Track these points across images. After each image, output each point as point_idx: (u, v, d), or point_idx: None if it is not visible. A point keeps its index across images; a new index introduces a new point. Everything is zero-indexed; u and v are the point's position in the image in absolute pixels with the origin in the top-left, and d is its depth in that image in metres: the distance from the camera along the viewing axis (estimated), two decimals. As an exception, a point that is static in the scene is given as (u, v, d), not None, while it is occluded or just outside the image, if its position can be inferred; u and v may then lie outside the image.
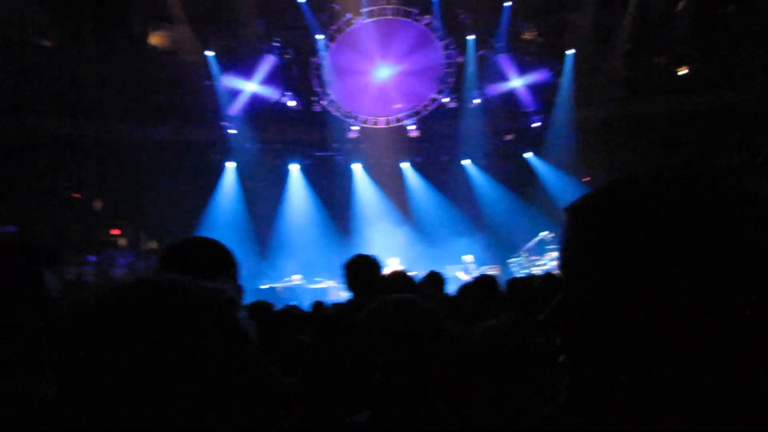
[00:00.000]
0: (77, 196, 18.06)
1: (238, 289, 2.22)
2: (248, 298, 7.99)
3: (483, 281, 4.60)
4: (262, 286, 16.71)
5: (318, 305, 7.02)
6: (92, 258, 16.31)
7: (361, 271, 4.07)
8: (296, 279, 17.28)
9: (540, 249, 16.51)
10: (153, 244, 18.26)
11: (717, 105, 18.10)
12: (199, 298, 1.01)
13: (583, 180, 17.99)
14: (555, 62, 19.81)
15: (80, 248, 16.46)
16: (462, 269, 16.14)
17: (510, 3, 19.64)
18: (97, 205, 18.18)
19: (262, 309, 7.01)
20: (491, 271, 14.94)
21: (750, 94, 17.73)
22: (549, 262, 15.51)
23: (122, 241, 17.68)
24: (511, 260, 16.89)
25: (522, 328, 3.48)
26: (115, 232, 17.78)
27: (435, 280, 6.18)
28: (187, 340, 0.96)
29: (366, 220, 19.10)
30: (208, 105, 19.84)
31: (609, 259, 0.84)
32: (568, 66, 19.53)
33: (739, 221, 0.80)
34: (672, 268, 0.79)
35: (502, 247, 17.65)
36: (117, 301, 0.98)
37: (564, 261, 0.92)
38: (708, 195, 0.83)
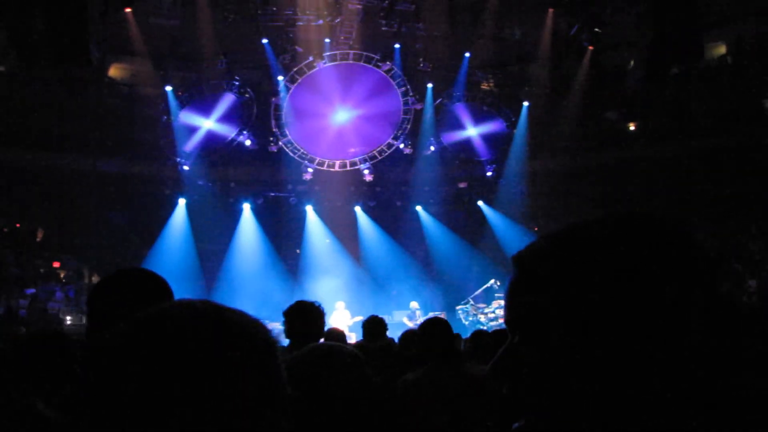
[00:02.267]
0: (18, 225, 17.62)
1: None
2: None
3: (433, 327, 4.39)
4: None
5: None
6: (30, 291, 15.80)
7: (302, 318, 3.98)
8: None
9: (487, 297, 16.50)
10: (96, 278, 17.85)
11: (663, 156, 18.59)
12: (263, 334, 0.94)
13: (534, 229, 18.15)
14: (510, 113, 20.12)
15: (18, 280, 15.98)
16: (407, 315, 16.00)
17: (469, 54, 19.95)
18: (39, 235, 17.73)
19: None
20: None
21: (693, 146, 18.29)
22: (496, 310, 15.48)
23: (62, 274, 17.19)
24: (458, 307, 16.82)
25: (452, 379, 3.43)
26: (56, 264, 17.29)
27: (376, 325, 6.18)
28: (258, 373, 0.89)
29: (316, 262, 18.91)
30: (163, 140, 19.66)
31: (555, 307, 0.82)
32: (523, 117, 19.85)
33: (679, 267, 0.80)
34: (619, 316, 0.78)
35: (451, 293, 17.61)
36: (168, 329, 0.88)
37: (509, 309, 0.90)
38: (652, 241, 0.82)
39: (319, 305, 4.07)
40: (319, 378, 1.91)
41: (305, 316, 3.97)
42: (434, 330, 4.09)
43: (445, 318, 6.36)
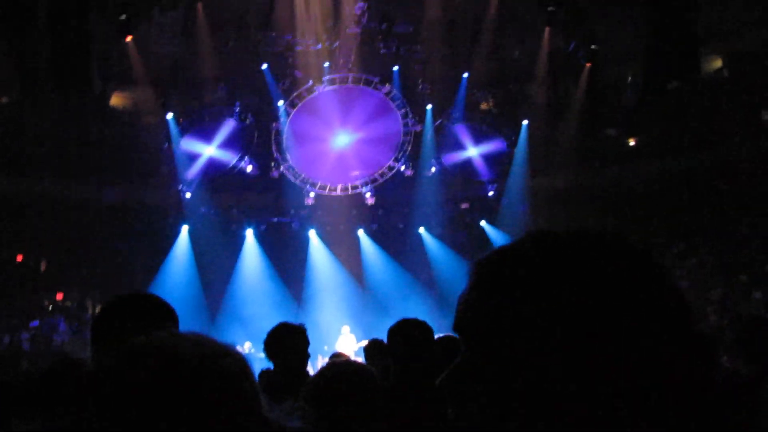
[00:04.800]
0: (20, 257, 17.65)
1: None
2: None
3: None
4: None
5: (265, 373, 6.87)
6: (34, 323, 15.80)
7: (284, 341, 3.95)
8: (246, 347, 16.89)
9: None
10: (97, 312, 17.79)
11: (663, 171, 18.61)
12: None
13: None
14: (510, 132, 20.15)
15: (20, 312, 15.99)
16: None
17: (467, 74, 20.02)
18: (43, 266, 17.77)
19: None
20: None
21: (694, 160, 18.30)
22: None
23: (66, 305, 17.20)
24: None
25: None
26: (59, 296, 17.30)
27: (376, 348, 6.19)
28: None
29: (320, 287, 18.90)
30: (165, 167, 19.74)
31: (513, 317, 0.78)
32: (522, 136, 19.88)
33: (636, 282, 0.78)
34: (577, 329, 0.75)
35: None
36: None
37: (462, 319, 0.85)
38: (611, 254, 0.80)
39: (302, 326, 4.03)
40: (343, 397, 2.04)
41: (287, 339, 3.95)
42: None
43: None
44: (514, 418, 0.77)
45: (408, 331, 3.63)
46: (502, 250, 0.86)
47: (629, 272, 0.79)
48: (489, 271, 0.84)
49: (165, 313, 2.17)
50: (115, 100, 20.90)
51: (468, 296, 0.85)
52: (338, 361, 2.27)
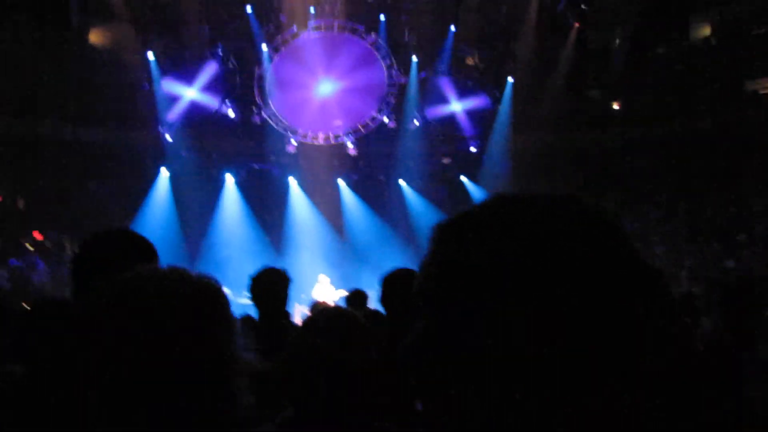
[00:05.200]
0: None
1: None
2: None
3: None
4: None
5: (248, 319, 6.95)
6: (14, 262, 15.68)
7: (268, 285, 3.98)
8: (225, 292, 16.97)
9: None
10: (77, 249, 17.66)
11: (647, 136, 18.77)
12: (207, 290, 1.13)
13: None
14: (495, 89, 20.09)
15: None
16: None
17: (454, 28, 19.84)
18: (20, 204, 17.55)
19: None
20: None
21: (678, 128, 18.48)
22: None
23: (45, 245, 17.06)
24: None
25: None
26: (37, 234, 17.14)
27: (359, 298, 6.51)
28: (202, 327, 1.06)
29: (299, 235, 18.95)
30: (146, 109, 19.40)
31: (473, 283, 0.77)
32: (507, 93, 19.84)
33: (594, 244, 0.77)
34: (538, 291, 0.74)
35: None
36: (127, 295, 1.05)
37: (422, 285, 0.83)
38: (568, 217, 0.79)
39: (286, 272, 4.06)
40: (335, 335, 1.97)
41: (270, 283, 3.95)
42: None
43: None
44: (480, 388, 0.76)
45: (405, 281, 3.58)
46: (462, 215, 0.84)
47: (586, 233, 0.78)
48: (449, 237, 0.82)
49: (145, 249, 2.15)
50: (94, 37, 20.37)
51: (429, 262, 0.83)
52: (329, 308, 2.20)
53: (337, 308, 2.16)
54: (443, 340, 0.79)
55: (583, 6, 19.02)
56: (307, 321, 2.10)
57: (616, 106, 19.98)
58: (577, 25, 19.37)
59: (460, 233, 0.81)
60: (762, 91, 18.13)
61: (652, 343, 0.77)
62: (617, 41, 19.76)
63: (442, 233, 0.84)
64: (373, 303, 6.92)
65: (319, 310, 2.11)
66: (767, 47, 17.93)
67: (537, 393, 0.74)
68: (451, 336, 0.78)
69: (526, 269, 0.75)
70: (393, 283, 3.59)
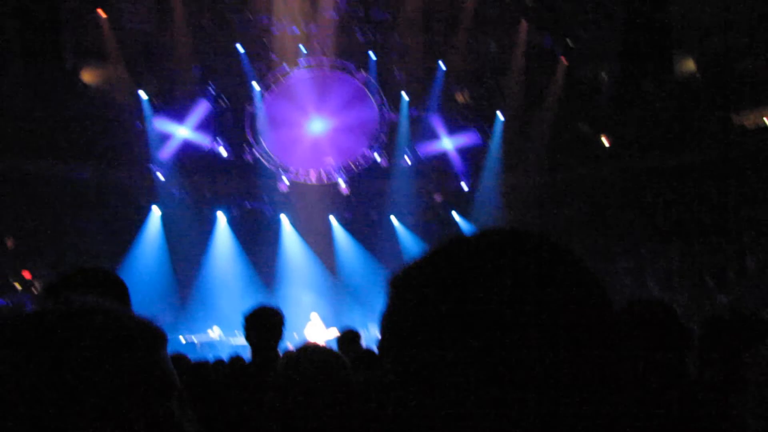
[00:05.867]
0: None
1: None
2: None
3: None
4: (182, 340, 16.31)
5: (236, 360, 6.90)
6: (2, 302, 15.55)
7: (262, 324, 3.96)
8: (214, 331, 16.87)
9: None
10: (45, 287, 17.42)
11: (637, 170, 18.91)
12: (130, 327, 0.96)
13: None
14: (485, 125, 20.25)
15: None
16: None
17: (443, 65, 20.05)
18: (10, 243, 17.45)
19: (176, 361, 6.85)
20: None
21: (667, 162, 18.63)
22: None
23: (34, 284, 16.92)
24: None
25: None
26: (26, 273, 17.02)
27: (350, 337, 6.30)
28: (107, 370, 0.91)
29: (291, 274, 18.90)
30: (137, 147, 19.45)
31: (428, 336, 0.77)
32: (497, 130, 20.00)
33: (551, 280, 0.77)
34: (492, 332, 0.74)
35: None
36: (36, 324, 0.94)
37: (384, 340, 0.84)
38: (524, 253, 0.79)
39: (279, 310, 4.04)
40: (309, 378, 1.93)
41: (264, 321, 3.94)
42: None
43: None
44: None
45: None
46: (411, 263, 0.85)
47: (542, 268, 0.78)
48: (401, 286, 0.83)
49: (114, 286, 2.11)
50: (87, 76, 20.47)
51: (385, 314, 0.84)
52: (312, 344, 2.17)
53: (319, 346, 2.15)
54: (406, 391, 0.79)
55: (569, 42, 19.27)
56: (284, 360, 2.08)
57: (605, 141, 20.13)
58: (564, 60, 19.60)
59: (411, 283, 0.82)
60: (749, 125, 18.31)
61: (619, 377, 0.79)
62: (604, 76, 19.98)
63: (395, 286, 0.84)
64: (366, 342, 6.87)
65: (303, 345, 2.10)
66: (752, 81, 18.17)
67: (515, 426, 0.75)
68: (411, 387, 0.78)
69: (481, 312, 0.75)
70: (257, 322, 3.68)
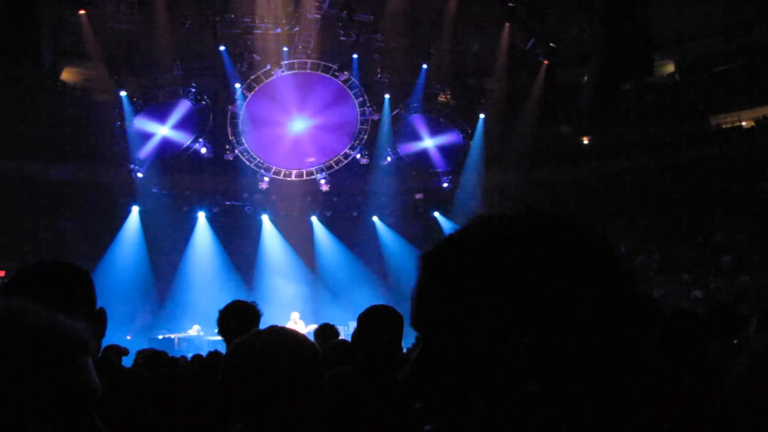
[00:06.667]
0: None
1: (99, 315, 1.98)
2: (145, 347, 7.77)
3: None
4: (159, 336, 16.13)
5: (215, 355, 6.82)
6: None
7: (236, 317, 3.89)
8: (195, 330, 16.72)
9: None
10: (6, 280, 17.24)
11: (616, 171, 19.01)
12: (37, 333, 0.88)
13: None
14: (467, 125, 20.30)
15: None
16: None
17: (426, 66, 20.08)
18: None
19: (154, 356, 6.76)
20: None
21: (645, 162, 18.76)
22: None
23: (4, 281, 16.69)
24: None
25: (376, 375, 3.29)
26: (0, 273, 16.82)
27: (327, 332, 6.07)
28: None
29: (271, 272, 18.78)
30: (117, 146, 19.33)
31: (465, 308, 0.78)
32: (479, 129, 20.05)
33: (591, 267, 0.79)
34: (529, 312, 0.75)
35: (405, 303, 17.63)
36: None
37: (417, 314, 0.84)
38: (561, 236, 0.80)
39: (256, 304, 3.91)
40: (270, 364, 1.68)
41: (240, 316, 3.77)
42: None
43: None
44: (477, 407, 0.78)
45: (387, 318, 3.48)
46: (446, 240, 0.85)
47: (572, 248, 0.79)
48: (436, 263, 0.84)
49: (75, 281, 1.98)
50: (67, 75, 20.35)
51: (418, 291, 0.85)
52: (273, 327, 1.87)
53: (272, 327, 1.86)
54: (444, 363, 0.80)
55: (551, 44, 19.38)
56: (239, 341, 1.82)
57: (585, 141, 20.25)
58: (546, 62, 19.70)
59: (445, 259, 0.83)
60: (725, 126, 18.49)
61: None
62: (585, 78, 20.10)
63: (427, 261, 0.85)
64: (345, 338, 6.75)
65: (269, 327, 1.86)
66: (728, 84, 18.36)
67: (539, 412, 0.76)
68: (451, 359, 0.80)
69: (517, 291, 0.76)
70: (370, 318, 3.51)
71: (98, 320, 1.94)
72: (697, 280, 16.24)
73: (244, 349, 1.74)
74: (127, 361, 6.88)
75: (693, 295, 15.32)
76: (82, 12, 18.41)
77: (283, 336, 1.77)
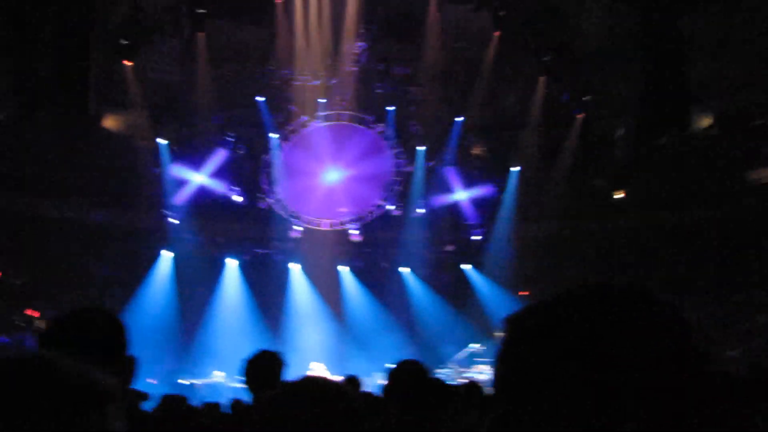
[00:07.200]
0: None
1: (129, 362, 2.08)
2: (168, 392, 7.72)
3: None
4: (181, 381, 16.04)
5: (237, 403, 6.69)
6: (3, 339, 15.52)
7: (262, 367, 3.84)
8: (219, 376, 16.59)
9: (469, 361, 16.18)
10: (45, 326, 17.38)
11: (651, 225, 18.63)
12: (62, 386, 0.91)
13: (520, 293, 17.93)
14: (500, 178, 20.16)
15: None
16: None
17: (461, 118, 20.13)
18: (17, 282, 17.53)
19: (175, 402, 6.66)
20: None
21: (682, 218, 18.33)
22: (476, 375, 15.16)
23: (39, 324, 16.88)
24: (439, 371, 16.46)
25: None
26: (33, 312, 17.02)
27: (350, 384, 6.01)
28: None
29: (299, 321, 18.66)
30: (153, 192, 19.65)
31: (547, 374, 0.80)
32: (512, 182, 19.88)
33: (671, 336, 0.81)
34: (609, 384, 0.77)
35: (433, 357, 17.26)
36: None
37: (499, 375, 0.88)
38: (641, 310, 0.82)
39: (280, 354, 3.94)
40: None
41: (264, 365, 3.85)
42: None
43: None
44: None
45: (415, 373, 3.50)
46: (533, 306, 0.88)
47: (654, 324, 0.81)
48: (522, 327, 0.87)
49: (110, 329, 2.09)
50: (109, 122, 20.91)
51: (504, 352, 0.87)
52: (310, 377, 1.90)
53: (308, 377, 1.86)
54: (524, 426, 0.82)
55: (586, 97, 19.28)
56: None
57: (621, 195, 19.91)
58: (581, 115, 19.58)
59: (532, 325, 0.86)
60: (764, 181, 18.02)
61: None
62: (621, 131, 19.89)
63: (514, 325, 0.88)
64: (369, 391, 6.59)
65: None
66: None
67: None
68: (531, 422, 0.81)
69: (597, 358, 0.78)
70: (400, 375, 3.51)
71: (128, 367, 2.04)
72: (732, 339, 15.69)
73: (286, 400, 1.71)
74: (148, 405, 6.85)
75: (727, 355, 14.80)
76: (127, 63, 19.00)
77: (326, 387, 1.73)
